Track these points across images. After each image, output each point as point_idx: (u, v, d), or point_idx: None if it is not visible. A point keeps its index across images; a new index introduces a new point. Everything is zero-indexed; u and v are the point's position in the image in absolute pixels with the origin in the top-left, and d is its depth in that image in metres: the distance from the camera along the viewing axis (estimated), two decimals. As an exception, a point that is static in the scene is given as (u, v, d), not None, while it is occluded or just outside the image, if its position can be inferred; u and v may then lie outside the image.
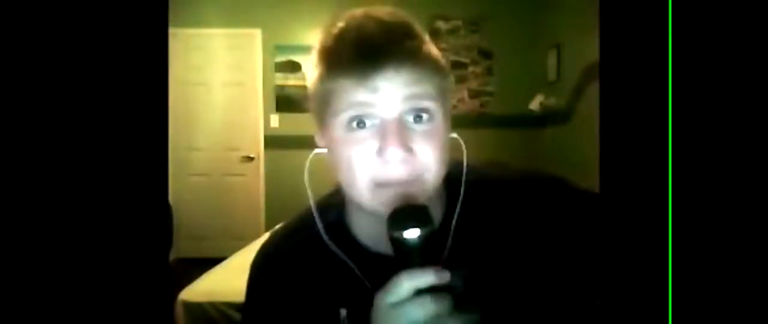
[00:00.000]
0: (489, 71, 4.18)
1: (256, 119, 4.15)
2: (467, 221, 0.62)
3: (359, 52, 0.52)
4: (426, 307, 0.46)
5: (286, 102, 4.17)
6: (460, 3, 4.13)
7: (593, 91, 3.10)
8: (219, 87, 4.15)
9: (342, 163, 0.55)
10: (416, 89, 0.52)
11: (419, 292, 0.46)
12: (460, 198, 0.61)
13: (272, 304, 0.64)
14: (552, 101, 3.74)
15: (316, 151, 0.62)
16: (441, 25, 4.12)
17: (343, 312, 0.59)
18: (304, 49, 4.16)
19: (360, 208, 0.58)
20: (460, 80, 4.15)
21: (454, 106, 4.22)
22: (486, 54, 4.17)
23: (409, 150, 0.52)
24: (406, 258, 0.48)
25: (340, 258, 0.61)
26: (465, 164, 0.62)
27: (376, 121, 0.53)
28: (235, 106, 4.16)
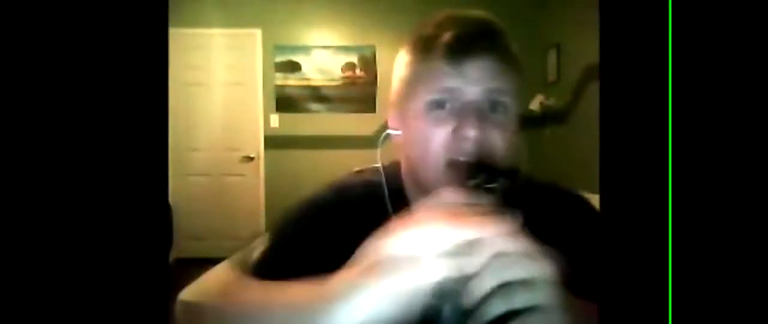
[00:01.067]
0: (489, 71, 4.18)
1: (256, 119, 4.15)
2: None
3: (456, 39, 0.58)
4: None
5: (286, 102, 4.17)
6: (460, 3, 4.13)
7: (593, 91, 3.10)
8: (219, 87, 4.15)
9: (417, 141, 0.59)
10: (498, 82, 0.58)
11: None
12: (515, 201, 0.63)
13: (312, 243, 0.64)
14: (552, 101, 3.74)
15: (389, 131, 0.67)
16: (441, 25, 4.12)
17: None
18: (304, 49, 4.17)
19: (420, 185, 0.61)
20: (460, 80, 4.15)
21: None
22: (486, 54, 4.17)
23: (484, 131, 0.56)
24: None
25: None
26: (522, 169, 0.65)
27: (457, 104, 0.57)
28: (235, 106, 4.16)
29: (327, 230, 0.65)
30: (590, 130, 3.08)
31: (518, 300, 0.39)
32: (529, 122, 4.06)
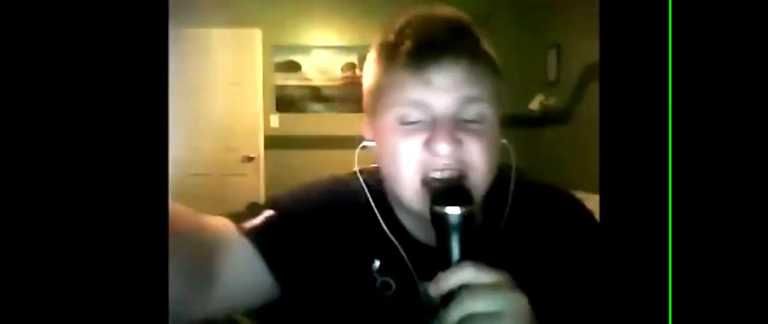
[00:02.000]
0: (489, 71, 4.18)
1: (256, 119, 4.15)
2: (513, 226, 0.62)
3: (417, 47, 0.53)
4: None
5: (286, 102, 4.17)
6: (460, 3, 4.12)
7: (593, 91, 3.10)
8: (219, 87, 4.15)
9: (389, 156, 0.55)
10: (470, 88, 0.53)
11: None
12: (508, 203, 0.62)
13: (315, 233, 0.61)
14: (552, 101, 3.73)
15: (364, 143, 0.63)
16: (441, 25, 4.12)
17: (377, 263, 0.60)
18: (304, 49, 4.16)
19: (402, 203, 0.57)
20: (460, 80, 4.15)
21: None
22: (486, 54, 4.17)
23: (458, 144, 0.52)
24: (444, 236, 0.47)
25: (388, 237, 0.60)
26: (514, 170, 0.62)
27: (428, 118, 0.53)
28: (235, 106, 4.16)
29: (325, 227, 0.62)
30: (590, 130, 3.08)
31: None
32: (529, 122, 4.05)
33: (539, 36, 4.01)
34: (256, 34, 4.13)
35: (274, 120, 4.18)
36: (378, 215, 0.61)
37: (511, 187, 0.62)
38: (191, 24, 4.02)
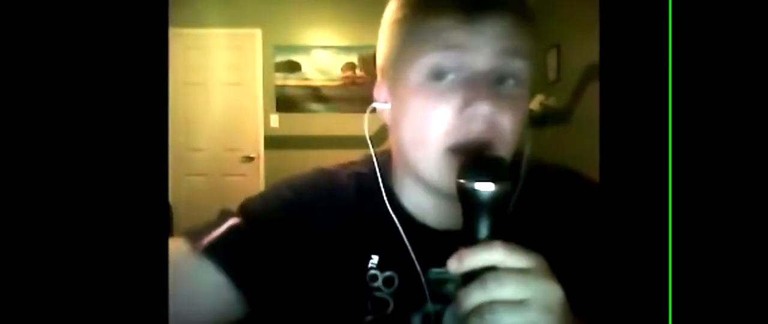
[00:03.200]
0: (489, 71, 4.18)
1: (256, 119, 4.15)
2: (524, 206, 0.56)
3: None
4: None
5: (286, 102, 4.17)
6: (460, 3, 4.13)
7: (593, 91, 3.10)
8: (219, 87, 4.15)
9: (412, 118, 0.49)
10: (513, 43, 0.47)
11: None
12: (520, 181, 0.56)
13: (297, 231, 0.57)
14: (552, 101, 3.73)
15: (375, 105, 0.55)
16: (441, 25, 4.12)
17: (375, 259, 0.56)
18: (304, 49, 4.17)
19: (413, 176, 0.53)
20: (460, 80, 4.16)
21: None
22: (486, 54, 4.17)
23: (497, 107, 0.46)
24: (472, 215, 0.41)
25: (392, 219, 0.56)
26: (527, 148, 0.57)
27: (462, 74, 0.47)
28: (235, 106, 4.16)
29: (304, 228, 0.57)
30: (590, 130, 3.08)
31: (503, 320, 0.36)
32: (529, 122, 4.05)
33: (539, 36, 4.01)
34: (256, 34, 4.13)
35: (274, 120, 4.18)
36: (384, 196, 0.56)
37: (524, 166, 0.56)
38: (191, 24, 4.02)
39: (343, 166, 0.63)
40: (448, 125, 0.47)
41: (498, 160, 0.43)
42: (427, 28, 0.47)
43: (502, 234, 0.41)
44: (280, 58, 4.16)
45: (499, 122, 0.47)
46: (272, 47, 4.14)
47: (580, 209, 0.58)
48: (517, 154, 0.56)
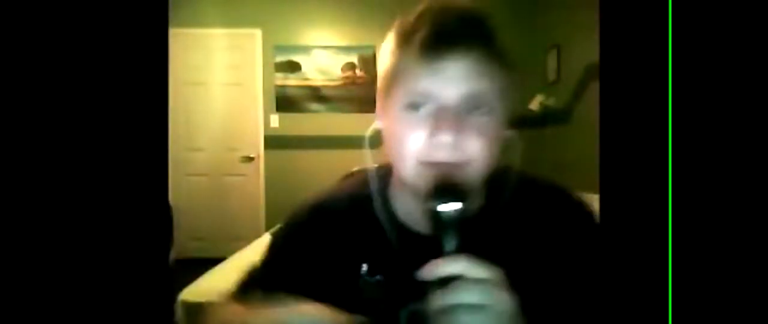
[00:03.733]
0: (489, 71, 4.18)
1: (256, 119, 4.15)
2: (508, 222, 0.64)
3: (430, 37, 0.54)
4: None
5: (286, 102, 4.16)
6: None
7: (593, 91, 3.09)
8: (219, 87, 4.15)
9: (395, 138, 0.57)
10: (479, 82, 0.54)
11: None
12: (507, 198, 0.63)
13: (302, 259, 0.66)
14: (552, 101, 3.73)
15: (375, 124, 0.65)
16: (441, 25, 4.12)
17: (365, 267, 0.64)
18: (304, 49, 4.16)
19: (402, 185, 0.61)
20: (460, 80, 4.15)
21: (454, 106, 4.25)
22: (486, 54, 4.17)
23: (459, 136, 0.53)
24: (441, 232, 0.50)
25: (382, 227, 0.65)
26: (516, 166, 0.64)
27: (433, 107, 0.54)
28: (235, 106, 4.16)
29: (314, 254, 0.66)
30: (590, 130, 3.08)
31: (462, 320, 0.44)
32: (529, 122, 4.06)
33: (539, 36, 4.01)
34: (256, 34, 4.13)
35: (274, 120, 4.18)
36: (374, 201, 0.65)
37: (511, 182, 0.63)
38: (191, 24, 4.02)
39: (340, 188, 0.72)
40: (420, 149, 0.55)
41: (457, 185, 0.52)
42: (400, 70, 0.56)
43: (469, 246, 0.49)
44: (280, 58, 4.15)
45: (465, 147, 0.54)
46: (272, 47, 4.13)
47: (562, 225, 0.65)
48: (503, 171, 0.63)
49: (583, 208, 0.68)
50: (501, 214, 0.63)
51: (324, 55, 4.17)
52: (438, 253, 0.48)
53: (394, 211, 0.66)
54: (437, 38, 0.54)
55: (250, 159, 4.16)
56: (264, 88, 4.16)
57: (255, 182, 4.19)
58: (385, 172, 0.68)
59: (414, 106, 0.55)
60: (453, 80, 0.53)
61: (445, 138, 0.53)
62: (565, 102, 3.54)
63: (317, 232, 0.66)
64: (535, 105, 3.84)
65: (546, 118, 3.88)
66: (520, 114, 4.03)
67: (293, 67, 4.17)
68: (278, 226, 0.72)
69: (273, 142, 4.17)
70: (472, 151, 0.54)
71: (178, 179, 4.07)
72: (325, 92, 4.18)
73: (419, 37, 0.54)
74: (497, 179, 0.61)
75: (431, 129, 0.54)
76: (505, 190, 0.64)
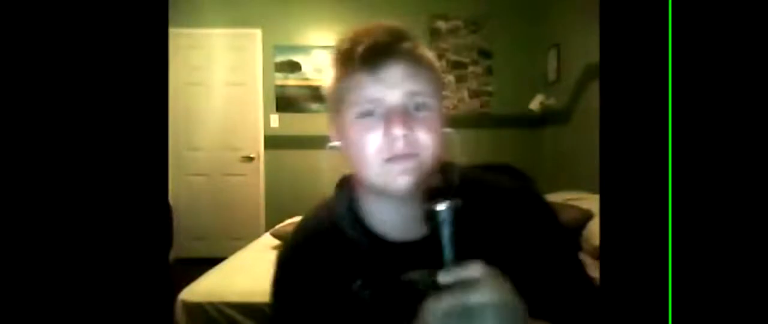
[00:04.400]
0: (489, 71, 4.18)
1: (256, 119, 4.15)
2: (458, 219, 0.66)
3: (369, 51, 0.63)
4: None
5: (286, 102, 4.17)
6: (460, 3, 4.13)
7: (593, 91, 3.09)
8: (219, 87, 4.15)
9: (355, 147, 0.65)
10: (415, 84, 0.64)
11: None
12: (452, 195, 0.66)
13: (300, 293, 0.72)
14: (552, 101, 3.73)
15: (331, 144, 0.71)
16: (441, 25, 4.11)
17: (358, 282, 0.69)
18: (304, 49, 4.17)
19: (372, 191, 0.67)
20: (460, 80, 4.15)
21: (454, 106, 4.23)
22: (486, 54, 4.16)
23: (409, 128, 0.62)
24: (437, 230, 0.55)
25: (356, 242, 0.70)
26: (458, 161, 0.71)
27: (382, 110, 0.63)
28: (235, 106, 4.16)
29: (307, 275, 0.71)
30: (590, 130, 3.08)
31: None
32: (529, 122, 4.06)
33: (539, 36, 4.01)
34: (256, 34, 4.13)
35: (274, 120, 4.18)
36: (344, 219, 0.72)
37: (455, 179, 0.69)
38: (191, 24, 4.02)
39: (306, 217, 0.79)
40: (379, 146, 0.63)
41: (443, 186, 0.59)
42: (348, 85, 0.65)
43: (461, 241, 0.54)
44: (280, 58, 4.15)
45: (416, 139, 0.63)
46: (272, 47, 4.13)
47: (512, 220, 0.71)
48: (448, 166, 0.70)
49: (531, 201, 0.73)
50: (466, 212, 0.69)
51: (324, 55, 4.17)
52: (420, 256, 0.53)
53: (368, 223, 0.72)
54: (375, 51, 0.63)
55: (250, 159, 4.16)
56: (264, 88, 4.16)
57: (255, 182, 4.19)
58: (349, 189, 0.74)
59: (366, 114, 0.64)
60: (395, 84, 0.63)
61: (398, 132, 0.61)
62: (565, 102, 3.54)
63: (305, 268, 0.72)
64: (535, 105, 3.84)
65: (546, 118, 3.88)
66: (520, 114, 4.05)
67: (293, 67, 4.17)
68: (278, 251, 0.77)
69: (273, 142, 4.17)
70: (421, 143, 0.63)
71: (178, 179, 4.07)
72: (325, 92, 4.18)
73: (359, 53, 0.63)
74: (444, 174, 0.68)
75: (384, 128, 0.62)
76: (452, 183, 0.70)
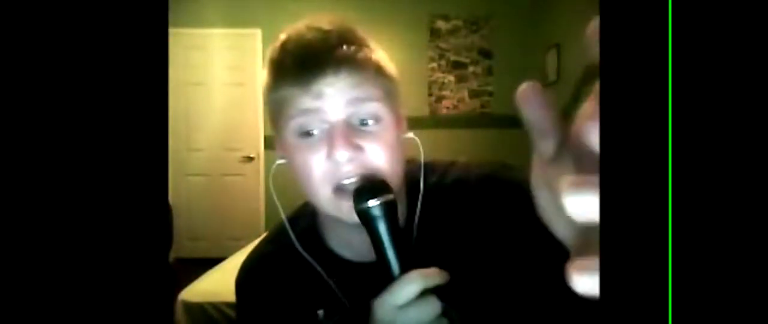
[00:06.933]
0: (489, 71, 4.18)
1: (256, 119, 4.15)
2: (428, 221, 0.63)
3: (300, 60, 0.54)
4: (433, 308, 0.46)
5: (286, 102, 4.18)
6: (460, 3, 4.13)
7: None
8: (219, 87, 4.15)
9: (299, 170, 0.57)
10: (359, 92, 0.54)
11: (423, 293, 0.47)
12: (420, 198, 0.63)
13: (258, 314, 0.66)
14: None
15: (278, 161, 0.64)
16: (441, 25, 4.11)
17: (321, 313, 0.62)
18: (304, 49, 4.17)
19: (326, 215, 0.60)
20: (460, 80, 4.15)
21: (455, 106, 4.23)
22: (486, 54, 4.17)
23: (357, 149, 0.53)
24: (373, 230, 0.50)
25: (313, 265, 0.63)
26: (422, 165, 0.64)
27: (324, 126, 0.54)
28: (235, 106, 4.16)
29: (264, 298, 0.65)
30: (590, 130, 3.08)
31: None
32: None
33: (539, 36, 4.02)
34: (256, 34, 4.13)
35: (274, 120, 4.19)
36: (301, 243, 0.64)
37: (421, 182, 0.63)
38: (191, 24, 4.02)
39: (265, 238, 0.72)
40: (324, 172, 0.54)
41: (377, 181, 0.52)
42: (280, 99, 0.56)
43: (401, 239, 0.50)
44: (280, 58, 4.16)
45: (366, 159, 0.54)
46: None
47: (490, 210, 0.63)
48: (417, 173, 0.63)
49: (499, 183, 0.66)
50: (418, 214, 0.63)
51: (324, 55, 4.17)
52: (383, 259, 0.49)
53: (329, 246, 0.65)
54: (307, 62, 0.54)
55: (250, 159, 4.16)
56: (264, 88, 4.17)
57: (255, 182, 4.19)
58: (310, 206, 0.66)
59: (305, 133, 0.55)
60: (335, 99, 0.53)
61: (343, 155, 0.52)
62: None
63: (261, 291, 0.66)
64: (535, 105, 3.83)
65: (546, 118, 3.88)
66: (520, 114, 4.03)
67: (293, 67, 4.17)
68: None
69: (273, 142, 4.18)
70: (372, 161, 0.54)
71: (178, 179, 4.07)
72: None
73: (290, 63, 0.55)
74: (412, 182, 0.62)
75: (327, 150, 0.53)
76: (417, 185, 0.63)
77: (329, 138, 0.54)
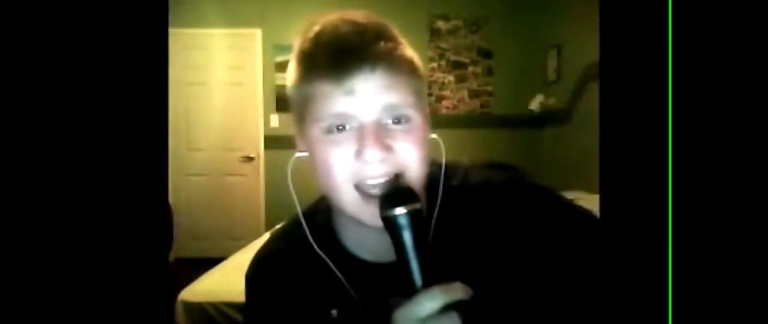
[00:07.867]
0: (489, 71, 4.18)
1: (256, 119, 4.15)
2: (446, 223, 0.62)
3: (335, 55, 0.52)
4: (453, 323, 0.45)
5: (286, 102, 4.13)
6: (460, 3, 4.13)
7: (593, 91, 3.10)
8: (219, 87, 4.15)
9: (322, 167, 0.55)
10: (393, 91, 0.53)
11: (447, 308, 0.45)
12: (438, 200, 0.61)
13: (268, 310, 0.65)
14: (552, 101, 3.73)
15: (298, 154, 0.61)
16: (441, 25, 4.11)
17: (334, 312, 0.61)
18: (304, 49, 4.16)
19: (344, 214, 0.58)
20: (460, 80, 4.15)
21: (455, 106, 4.22)
22: (486, 54, 4.16)
23: (388, 149, 0.52)
24: (398, 238, 0.49)
25: (327, 263, 0.61)
26: (444, 166, 0.63)
27: (355, 124, 0.53)
28: (235, 106, 4.16)
29: (274, 292, 0.64)
30: (590, 130, 3.08)
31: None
32: (529, 122, 4.05)
33: (539, 36, 4.01)
34: (256, 34, 4.13)
35: (274, 120, 4.18)
36: (317, 240, 0.62)
37: (441, 183, 0.61)
38: (191, 24, 4.02)
39: (278, 230, 0.70)
40: (350, 169, 0.53)
41: (404, 188, 0.51)
42: (313, 91, 0.53)
43: (426, 248, 0.49)
44: (280, 58, 4.15)
45: (397, 158, 0.53)
46: (272, 47, 4.13)
47: (504, 218, 0.62)
48: (436, 174, 0.61)
49: (524, 197, 0.65)
50: (435, 216, 0.61)
51: (324, 55, 4.17)
52: (405, 266, 0.48)
53: (344, 244, 0.63)
54: (343, 57, 0.52)
55: (250, 159, 4.16)
56: (264, 88, 4.16)
57: (255, 182, 4.19)
58: (325, 202, 0.64)
59: (334, 130, 0.53)
60: (369, 96, 0.51)
61: (374, 155, 0.51)
62: (565, 102, 3.54)
63: (271, 287, 0.64)
64: (535, 105, 3.84)
65: (546, 118, 3.88)
66: (520, 114, 4.04)
67: (293, 67, 4.17)
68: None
69: (273, 142, 4.17)
70: (402, 161, 0.53)
71: (178, 179, 4.07)
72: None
73: (323, 59, 0.52)
74: (431, 183, 0.60)
75: (357, 148, 0.52)
76: (436, 186, 0.62)
77: (360, 136, 0.52)
